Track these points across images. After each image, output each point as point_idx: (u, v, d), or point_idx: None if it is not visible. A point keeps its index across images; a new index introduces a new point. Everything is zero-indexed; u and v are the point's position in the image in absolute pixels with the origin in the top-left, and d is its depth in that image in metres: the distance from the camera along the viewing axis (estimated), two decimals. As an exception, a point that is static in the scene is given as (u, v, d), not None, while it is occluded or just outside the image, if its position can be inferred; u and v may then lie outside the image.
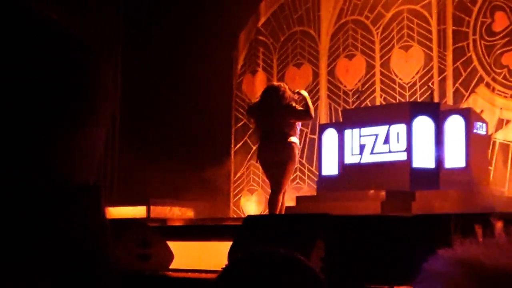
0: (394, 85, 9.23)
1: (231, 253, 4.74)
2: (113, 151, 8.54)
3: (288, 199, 6.96)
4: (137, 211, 7.83)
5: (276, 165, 6.30)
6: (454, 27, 8.81)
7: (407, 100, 8.79)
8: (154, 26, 9.54)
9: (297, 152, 6.42)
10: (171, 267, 5.53)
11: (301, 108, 6.48)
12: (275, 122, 6.31)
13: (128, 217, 6.85)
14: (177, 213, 8.30)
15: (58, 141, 0.59)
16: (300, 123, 6.57)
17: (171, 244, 5.60)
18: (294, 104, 6.46)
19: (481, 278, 0.62)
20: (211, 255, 5.52)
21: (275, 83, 7.31)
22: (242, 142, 10.35)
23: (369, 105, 9.09)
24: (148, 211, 7.96)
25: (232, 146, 10.36)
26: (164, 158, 8.84)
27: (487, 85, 8.48)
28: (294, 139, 6.36)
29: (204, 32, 9.58)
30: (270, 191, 6.66)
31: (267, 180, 6.82)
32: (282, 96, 6.42)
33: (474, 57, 8.64)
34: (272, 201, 6.39)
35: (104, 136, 0.65)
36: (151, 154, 8.81)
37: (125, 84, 8.47)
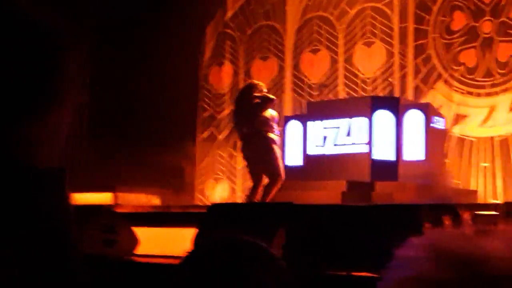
0: (356, 80, 9.46)
1: (196, 240, 4.86)
2: (80, 138, 8.56)
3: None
4: (103, 198, 7.89)
5: (260, 161, 6.50)
6: (415, 25, 9.07)
7: (369, 94, 9.02)
8: (122, 17, 9.57)
9: (274, 146, 6.59)
10: (136, 252, 5.60)
11: (257, 100, 6.63)
12: (249, 122, 6.52)
13: (94, 203, 6.92)
14: (143, 200, 8.38)
15: (21, 126, 0.59)
16: (275, 119, 6.72)
17: (137, 230, 5.68)
18: (256, 100, 6.62)
19: (450, 263, 0.62)
20: (175, 242, 5.62)
21: (245, 83, 7.49)
22: (207, 131, 10.47)
23: (333, 98, 9.30)
24: (115, 198, 8.02)
25: (198, 135, 10.47)
26: (131, 146, 8.90)
27: (445, 81, 8.76)
28: (270, 135, 6.54)
29: (172, 24, 9.65)
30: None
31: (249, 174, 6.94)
32: (249, 96, 6.62)
33: (433, 54, 8.91)
34: (265, 191, 6.54)
35: (69, 122, 0.64)
36: (118, 142, 8.86)
37: (92, 72, 8.51)
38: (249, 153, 6.58)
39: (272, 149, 6.50)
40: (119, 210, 6.54)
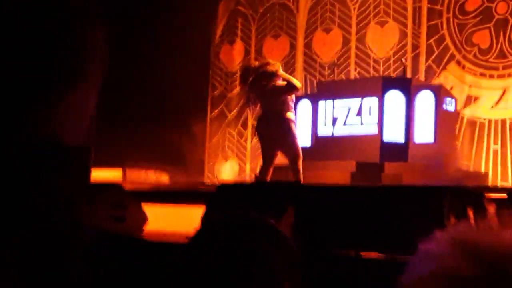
0: (368, 60, 9.40)
1: (204, 219, 4.88)
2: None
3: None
4: (113, 175, 7.94)
5: (279, 142, 6.43)
6: (428, 5, 8.97)
7: (381, 75, 8.96)
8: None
9: (293, 126, 6.51)
10: (145, 229, 5.64)
11: (283, 83, 6.50)
12: (268, 101, 6.43)
13: (103, 180, 6.96)
14: (152, 178, 8.42)
15: (46, 102, 0.59)
16: (293, 99, 6.64)
17: (146, 208, 5.71)
18: (278, 82, 6.51)
19: (475, 259, 0.61)
20: (184, 220, 5.65)
21: (266, 60, 7.29)
22: (218, 109, 10.47)
23: (344, 78, 9.25)
24: (124, 174, 8.07)
25: (208, 113, 10.47)
26: (141, 123, 8.92)
27: (458, 62, 8.69)
28: (289, 114, 6.46)
29: (184, 1, 9.60)
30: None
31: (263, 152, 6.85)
32: (268, 75, 6.49)
33: (446, 35, 8.82)
34: (295, 173, 6.49)
35: (95, 98, 0.65)
36: (128, 119, 8.88)
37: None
38: (266, 132, 6.48)
39: (291, 129, 6.44)
40: (128, 187, 6.57)
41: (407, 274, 0.65)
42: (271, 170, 6.56)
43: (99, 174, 7.64)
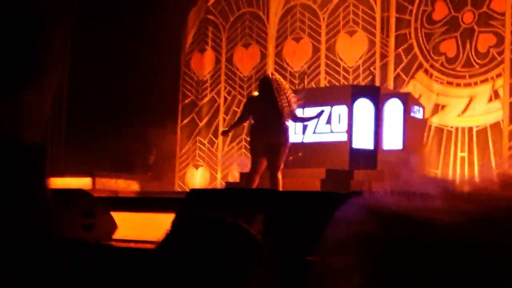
0: (338, 68, 9.49)
1: (174, 224, 4.87)
2: (60, 122, 8.53)
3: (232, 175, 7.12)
4: (82, 183, 7.88)
5: (273, 148, 6.50)
6: (397, 15, 9.10)
7: (351, 83, 9.05)
8: (105, 1, 9.52)
9: (289, 135, 6.65)
10: (114, 237, 5.61)
11: (291, 108, 6.61)
12: (274, 109, 6.52)
13: (73, 188, 6.90)
14: (122, 186, 8.38)
15: (2, 96, 0.58)
16: None
17: (115, 215, 5.68)
18: (288, 98, 6.62)
19: (390, 223, 0.62)
20: (153, 227, 5.62)
21: (270, 74, 7.42)
22: (189, 118, 10.47)
23: (314, 86, 9.32)
24: (94, 182, 8.01)
25: (179, 121, 10.47)
26: (112, 131, 8.88)
27: (426, 71, 8.82)
28: (287, 123, 6.59)
29: (154, 9, 9.61)
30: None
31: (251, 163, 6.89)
32: (279, 86, 6.63)
33: (414, 44, 8.96)
34: (274, 182, 6.53)
35: (51, 96, 0.63)
36: (98, 127, 8.84)
37: (73, 56, 8.46)
38: (267, 141, 6.54)
39: (288, 139, 6.55)
40: (97, 194, 6.53)
41: (324, 241, 0.66)
42: (258, 178, 6.60)
43: (68, 182, 7.59)
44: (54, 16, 0.65)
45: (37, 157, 0.62)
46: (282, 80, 6.77)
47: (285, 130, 6.53)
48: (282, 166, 6.51)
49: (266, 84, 6.65)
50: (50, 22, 0.63)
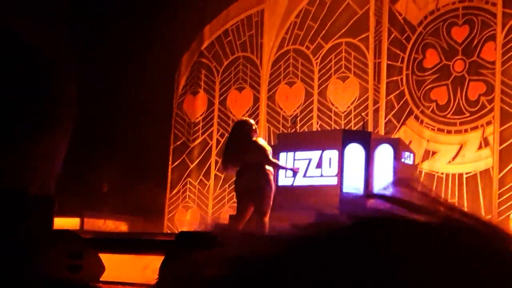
0: (330, 113, 9.56)
1: (162, 268, 4.84)
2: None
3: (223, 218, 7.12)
4: (71, 223, 7.84)
5: (255, 192, 6.55)
6: (388, 62, 9.22)
7: (342, 128, 9.11)
8: (99, 44, 9.63)
9: (272, 178, 6.72)
10: (102, 279, 5.55)
11: (263, 153, 6.72)
12: (249, 154, 6.62)
13: (61, 228, 6.87)
14: (111, 227, 8.34)
15: (11, 151, 0.57)
16: (271, 152, 6.88)
17: (103, 257, 5.63)
18: (261, 145, 6.76)
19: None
20: (142, 269, 5.59)
21: (243, 118, 7.61)
22: (180, 160, 10.48)
23: (307, 130, 9.38)
24: (82, 223, 7.98)
25: (170, 163, 10.47)
26: (102, 171, 8.87)
27: (416, 117, 8.90)
28: (268, 167, 6.67)
29: (148, 52, 9.72)
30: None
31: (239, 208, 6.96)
32: (251, 131, 6.77)
33: (406, 90, 9.05)
34: (260, 226, 6.55)
35: (64, 148, 0.63)
36: (89, 166, 8.84)
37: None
38: (246, 184, 6.61)
39: (270, 182, 6.62)
40: (86, 235, 6.50)
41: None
42: (243, 222, 6.62)
43: (57, 222, 7.56)
44: (65, 66, 0.66)
45: (43, 210, 0.61)
46: (255, 126, 6.92)
47: (265, 174, 6.59)
48: (268, 210, 6.53)
49: (238, 128, 6.78)
50: (62, 73, 0.64)
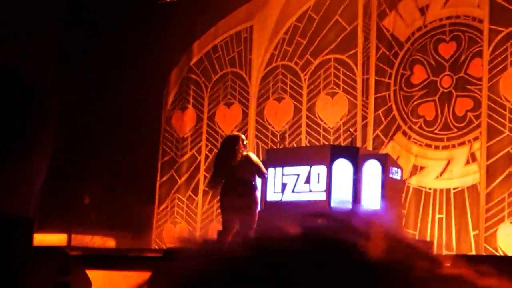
0: (319, 129, 9.59)
1: (149, 285, 4.83)
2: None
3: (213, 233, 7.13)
4: (58, 239, 7.80)
5: (243, 208, 6.57)
6: (376, 78, 9.28)
7: (331, 143, 9.14)
8: (87, 61, 9.64)
9: (258, 195, 6.75)
10: (88, 295, 5.51)
11: (256, 166, 6.79)
12: (239, 169, 6.66)
13: (48, 244, 6.83)
14: (99, 242, 8.29)
15: None
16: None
17: (91, 273, 5.60)
18: (250, 158, 6.82)
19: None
20: (129, 286, 5.55)
21: (233, 133, 7.67)
22: (168, 175, 10.46)
23: (295, 146, 9.40)
24: (69, 239, 7.93)
25: (158, 178, 10.46)
26: (89, 187, 8.85)
27: (404, 133, 8.94)
28: (254, 184, 6.71)
29: (137, 68, 9.74)
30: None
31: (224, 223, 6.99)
32: (242, 145, 6.81)
33: (393, 106, 9.10)
34: (244, 240, 6.56)
35: (44, 170, 0.64)
36: (76, 182, 8.81)
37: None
38: (234, 200, 6.63)
39: (256, 199, 6.64)
40: (73, 251, 6.46)
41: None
42: (229, 237, 6.62)
43: (44, 239, 7.51)
44: (46, 92, 0.66)
45: (24, 230, 0.63)
46: (246, 140, 6.95)
47: (253, 190, 6.62)
48: (254, 225, 6.55)
49: (228, 142, 6.82)
50: (44, 97, 0.65)
